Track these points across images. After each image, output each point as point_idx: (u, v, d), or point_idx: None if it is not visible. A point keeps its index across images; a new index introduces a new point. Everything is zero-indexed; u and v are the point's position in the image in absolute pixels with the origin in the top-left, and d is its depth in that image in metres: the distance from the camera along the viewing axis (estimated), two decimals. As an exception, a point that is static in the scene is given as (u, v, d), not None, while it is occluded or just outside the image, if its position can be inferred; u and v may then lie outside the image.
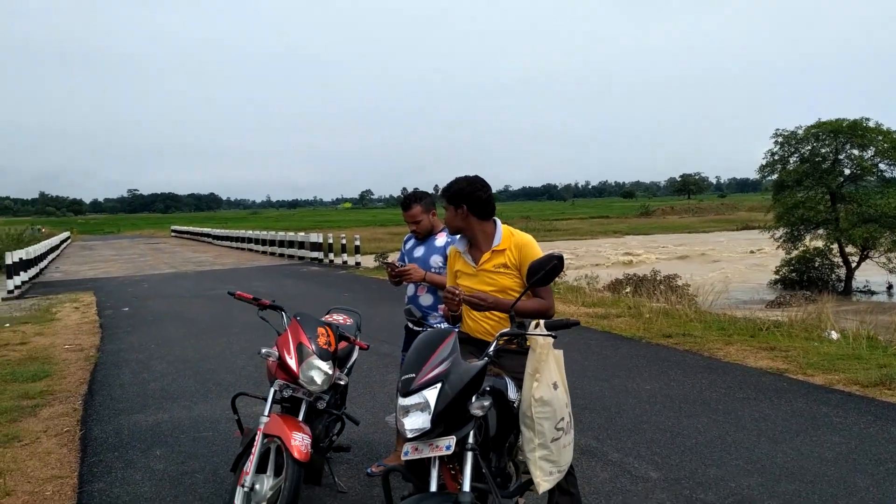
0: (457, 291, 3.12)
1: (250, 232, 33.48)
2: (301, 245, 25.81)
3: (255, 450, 3.48)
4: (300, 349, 3.70)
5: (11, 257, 18.41)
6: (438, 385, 2.61)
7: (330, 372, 3.73)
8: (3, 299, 16.48)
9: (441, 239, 4.35)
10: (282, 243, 27.54)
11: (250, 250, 31.27)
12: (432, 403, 2.58)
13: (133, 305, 13.57)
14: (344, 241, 23.78)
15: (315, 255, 24.13)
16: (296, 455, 3.37)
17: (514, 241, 3.29)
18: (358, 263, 22.27)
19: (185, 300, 14.34)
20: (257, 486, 3.44)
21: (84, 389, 6.92)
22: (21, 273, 18.89)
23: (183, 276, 20.18)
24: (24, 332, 10.46)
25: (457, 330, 3.22)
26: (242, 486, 3.44)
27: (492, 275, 3.27)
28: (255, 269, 21.95)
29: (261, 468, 3.51)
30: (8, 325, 11.42)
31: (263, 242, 29.93)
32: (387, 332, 8.72)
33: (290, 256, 26.06)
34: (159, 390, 6.81)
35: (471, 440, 2.65)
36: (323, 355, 3.72)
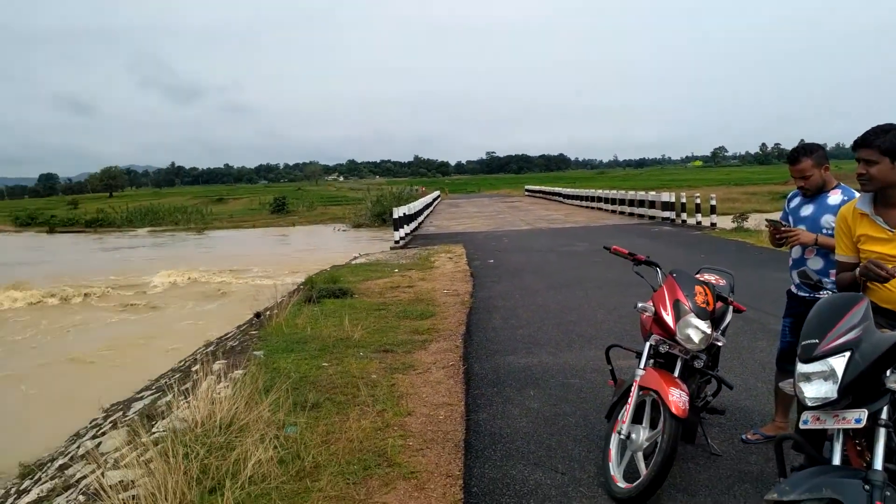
0: (890, 269, 2.77)
1: (599, 191, 33.85)
2: (651, 204, 25.37)
3: (631, 401, 3.58)
4: (677, 306, 3.68)
5: (397, 212, 21.32)
6: (847, 353, 2.42)
7: (708, 331, 3.66)
8: (391, 248, 19.18)
9: (835, 197, 3.94)
10: (631, 202, 27.39)
11: (599, 209, 31.66)
12: (839, 372, 2.41)
13: (497, 258, 14.73)
14: (698, 201, 22.81)
15: (666, 214, 23.59)
16: (674, 410, 3.38)
17: None
18: (713, 224, 21.23)
19: (542, 255, 15.13)
20: (633, 436, 3.55)
21: (462, 330, 7.75)
22: (405, 226, 21.80)
23: (538, 233, 21.27)
24: (410, 277, 12.05)
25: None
26: (618, 433, 3.57)
27: None
28: (606, 228, 22.20)
29: (635, 419, 3.60)
30: (397, 270, 13.26)
31: (612, 202, 30.03)
32: (749, 296, 8.14)
33: (640, 216, 25.81)
34: (527, 336, 7.34)
35: (884, 416, 2.42)
36: (701, 314, 3.66)
